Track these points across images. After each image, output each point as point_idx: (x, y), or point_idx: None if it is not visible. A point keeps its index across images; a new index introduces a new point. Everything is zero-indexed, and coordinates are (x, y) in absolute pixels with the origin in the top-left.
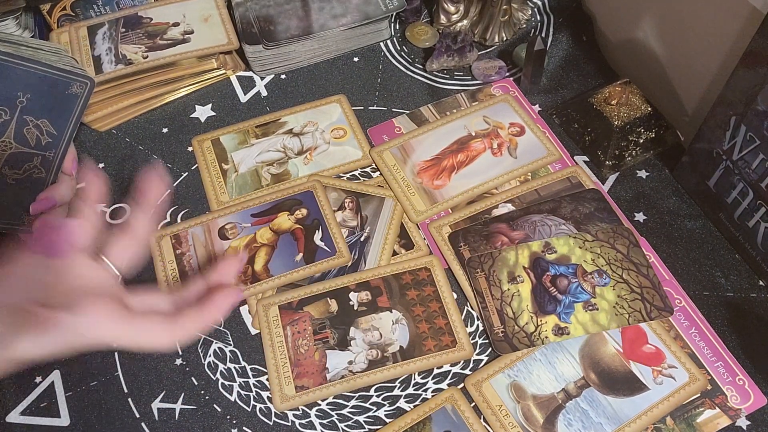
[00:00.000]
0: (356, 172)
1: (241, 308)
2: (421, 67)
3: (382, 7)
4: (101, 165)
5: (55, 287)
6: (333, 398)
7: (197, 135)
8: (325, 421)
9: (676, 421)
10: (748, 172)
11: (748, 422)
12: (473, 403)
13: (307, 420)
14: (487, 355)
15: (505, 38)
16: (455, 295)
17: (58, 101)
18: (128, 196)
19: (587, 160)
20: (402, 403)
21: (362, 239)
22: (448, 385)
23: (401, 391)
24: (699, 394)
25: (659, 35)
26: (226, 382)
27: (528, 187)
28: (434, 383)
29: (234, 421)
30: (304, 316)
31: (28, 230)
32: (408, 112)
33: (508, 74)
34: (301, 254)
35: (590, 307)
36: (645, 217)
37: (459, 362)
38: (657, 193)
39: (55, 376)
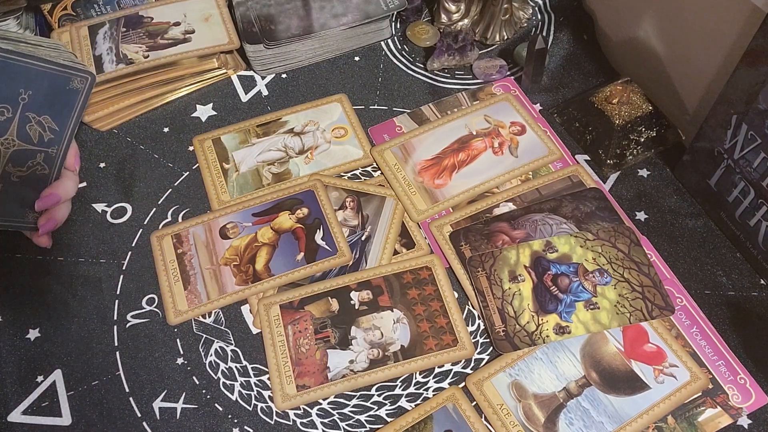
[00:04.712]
0: (357, 172)
1: (242, 308)
2: (422, 66)
3: (383, 6)
4: (102, 165)
5: None
6: (334, 397)
7: (198, 134)
8: (326, 420)
9: (678, 420)
10: (749, 170)
11: (750, 421)
12: (474, 402)
13: (309, 419)
14: (488, 354)
15: (506, 37)
16: (456, 294)
17: (59, 97)
18: (130, 196)
19: (588, 159)
20: (403, 402)
21: (363, 238)
22: (450, 384)
23: (402, 390)
24: (700, 393)
25: (660, 34)
26: (228, 382)
27: (529, 186)
28: (435, 382)
29: (235, 421)
30: (305, 316)
31: (32, 228)
32: (409, 111)
33: (509, 73)
34: (302, 253)
35: (591, 306)
36: (646, 216)
37: (460, 361)
38: (658, 192)
39: (57, 376)
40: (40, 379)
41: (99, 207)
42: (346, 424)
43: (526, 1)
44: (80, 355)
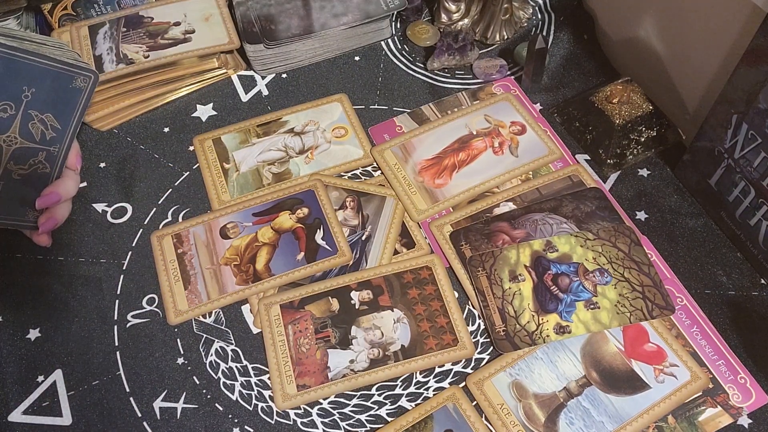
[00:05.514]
0: (357, 171)
1: (242, 307)
2: (422, 65)
3: (383, 5)
4: (102, 165)
5: None
6: (334, 397)
7: (198, 134)
8: (326, 420)
9: (678, 420)
10: (749, 170)
11: (750, 420)
12: (475, 402)
13: (309, 419)
14: (488, 354)
15: (506, 37)
16: (456, 294)
17: (63, 95)
18: (130, 196)
19: (588, 158)
20: (403, 402)
21: (363, 238)
22: (450, 383)
23: (403, 389)
24: (700, 393)
25: (660, 33)
26: (228, 381)
27: (529, 185)
28: (436, 382)
29: (236, 420)
30: (305, 315)
31: (32, 227)
32: (409, 110)
33: (509, 73)
34: (302, 253)
35: (591, 306)
36: (646, 216)
37: (460, 361)
38: (658, 192)
39: (57, 376)
40: (40, 378)
41: (99, 207)
42: (347, 424)
43: (526, 0)
44: (80, 355)
